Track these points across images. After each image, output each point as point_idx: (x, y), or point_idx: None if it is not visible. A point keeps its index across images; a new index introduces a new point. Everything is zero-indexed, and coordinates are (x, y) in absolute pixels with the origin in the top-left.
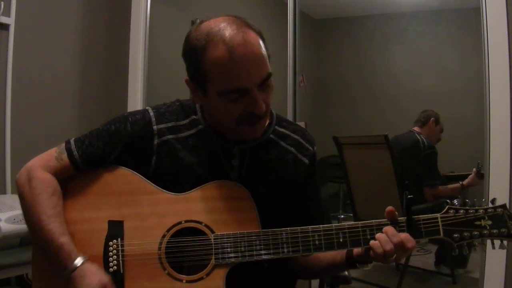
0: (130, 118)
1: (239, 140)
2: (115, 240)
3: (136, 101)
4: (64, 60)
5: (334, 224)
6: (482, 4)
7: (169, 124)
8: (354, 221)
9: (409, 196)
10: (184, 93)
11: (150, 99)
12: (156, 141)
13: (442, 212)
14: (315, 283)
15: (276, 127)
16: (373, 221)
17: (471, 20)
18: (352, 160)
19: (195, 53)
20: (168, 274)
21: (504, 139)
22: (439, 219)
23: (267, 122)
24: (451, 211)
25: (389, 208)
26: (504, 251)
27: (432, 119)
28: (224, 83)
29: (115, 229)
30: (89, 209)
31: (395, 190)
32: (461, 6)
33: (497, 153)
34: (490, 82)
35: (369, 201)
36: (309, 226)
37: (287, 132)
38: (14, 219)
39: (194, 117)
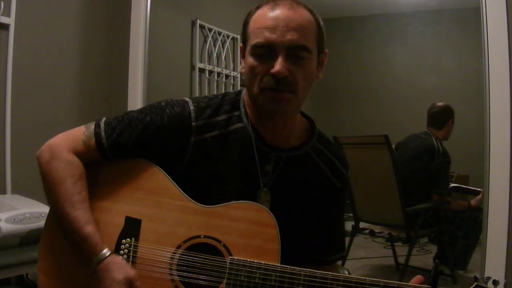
0: (168, 110)
1: (276, 146)
2: (128, 239)
3: (136, 101)
4: (64, 60)
5: (356, 276)
6: (482, 4)
7: (208, 121)
8: (354, 221)
9: (437, 266)
10: (184, 93)
11: (150, 99)
12: (193, 139)
13: None
14: None
15: (316, 143)
16: (397, 283)
17: (471, 20)
18: (352, 160)
19: (247, 16)
20: (176, 287)
21: (504, 139)
22: None
23: (308, 132)
24: None
25: (419, 277)
26: (504, 251)
27: (450, 120)
28: (256, 35)
29: (132, 227)
30: (109, 200)
31: (395, 190)
32: (461, 6)
33: (497, 153)
34: (490, 82)
35: (369, 201)
36: (329, 273)
37: (325, 150)
38: (14, 219)
39: (235, 113)
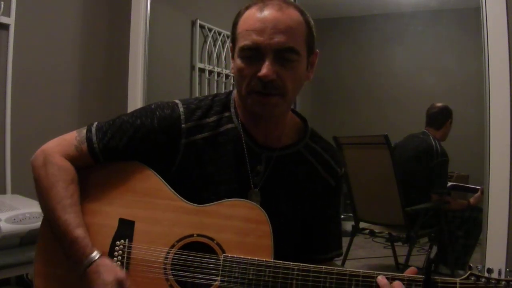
0: (157, 113)
1: (268, 146)
2: (122, 241)
3: (136, 101)
4: (64, 60)
5: (349, 269)
6: (482, 4)
7: (198, 122)
8: (354, 221)
9: (431, 258)
10: (184, 93)
11: (150, 99)
12: (183, 140)
13: (463, 277)
14: None
15: (309, 141)
16: (390, 274)
17: (471, 20)
18: (352, 160)
19: (236, 16)
20: (171, 286)
21: (504, 139)
22: (458, 285)
23: (300, 130)
24: (472, 278)
25: (413, 269)
26: (504, 252)
27: (449, 120)
28: (244, 37)
29: (125, 228)
30: (102, 202)
31: (395, 190)
32: (461, 6)
33: (497, 153)
34: (490, 82)
35: (369, 201)
36: (323, 266)
37: (318, 148)
38: (14, 219)
39: (225, 114)
